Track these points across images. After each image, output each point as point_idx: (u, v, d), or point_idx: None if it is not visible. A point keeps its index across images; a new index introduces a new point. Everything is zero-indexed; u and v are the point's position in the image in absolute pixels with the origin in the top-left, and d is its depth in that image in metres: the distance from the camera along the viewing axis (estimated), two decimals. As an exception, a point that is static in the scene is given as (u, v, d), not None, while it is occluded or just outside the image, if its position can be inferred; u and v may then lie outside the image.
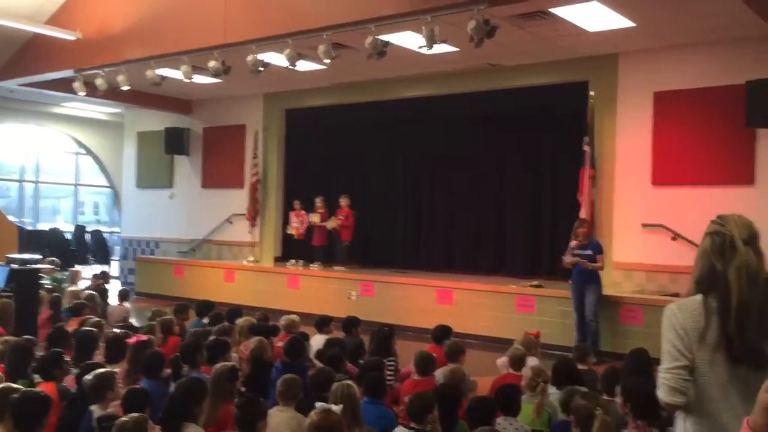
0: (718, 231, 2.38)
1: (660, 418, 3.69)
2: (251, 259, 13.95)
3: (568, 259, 9.10)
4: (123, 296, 9.59)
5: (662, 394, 2.35)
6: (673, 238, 9.53)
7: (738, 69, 9.02)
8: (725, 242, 2.35)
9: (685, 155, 9.57)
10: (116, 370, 4.80)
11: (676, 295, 9.21)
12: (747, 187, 9.06)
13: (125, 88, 11.15)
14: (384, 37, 8.25)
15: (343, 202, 12.80)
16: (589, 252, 8.97)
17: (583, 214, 9.82)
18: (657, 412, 3.66)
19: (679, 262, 9.20)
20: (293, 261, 13.33)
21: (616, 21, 8.55)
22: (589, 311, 8.94)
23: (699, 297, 2.37)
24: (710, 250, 2.38)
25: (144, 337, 5.75)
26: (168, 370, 5.56)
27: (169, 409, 4.12)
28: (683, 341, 2.32)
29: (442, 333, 6.78)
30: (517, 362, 5.62)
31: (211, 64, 9.72)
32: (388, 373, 5.97)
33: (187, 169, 15.78)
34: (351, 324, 7.30)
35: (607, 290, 9.32)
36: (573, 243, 9.11)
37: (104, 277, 11.51)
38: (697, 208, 9.13)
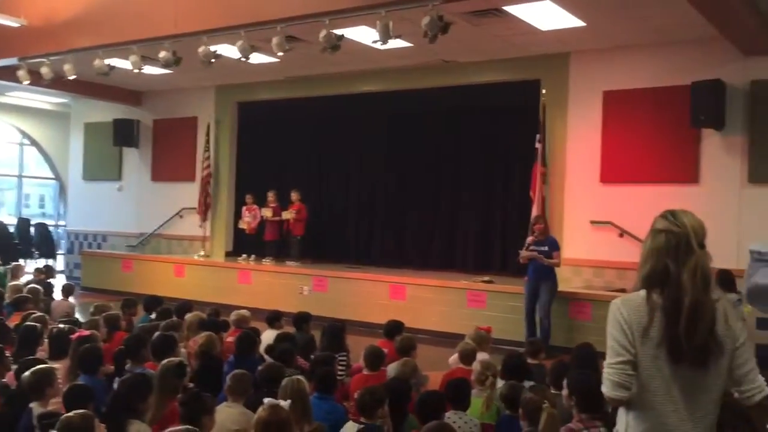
0: (673, 230, 2.36)
1: (602, 411, 3.76)
2: (202, 253, 13.76)
3: (524, 253, 9.14)
4: (67, 291, 9.34)
5: (606, 389, 2.37)
6: (620, 235, 9.72)
7: (684, 70, 9.24)
8: (680, 242, 2.33)
9: (632, 154, 9.77)
10: (57, 366, 4.67)
11: (622, 290, 9.40)
12: (692, 185, 9.30)
13: (72, 77, 10.85)
14: (338, 31, 8.20)
15: (294, 196, 12.73)
16: (546, 248, 9.05)
17: (535, 210, 9.95)
18: (600, 405, 3.73)
19: (626, 258, 9.40)
20: (245, 256, 13.19)
21: (568, 20, 8.67)
22: (542, 308, 9.00)
23: (643, 292, 2.38)
24: (664, 248, 2.35)
25: (86, 333, 5.61)
26: (111, 366, 5.46)
27: (113, 405, 4.04)
28: (627, 336, 2.34)
29: (393, 328, 6.80)
30: (468, 357, 5.66)
31: (162, 54, 9.52)
32: (340, 368, 5.96)
33: (136, 161, 15.46)
34: (302, 320, 7.26)
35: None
36: (530, 239, 9.19)
37: (48, 271, 11.20)
38: (644, 205, 9.32)
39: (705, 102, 8.90)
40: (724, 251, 8.20)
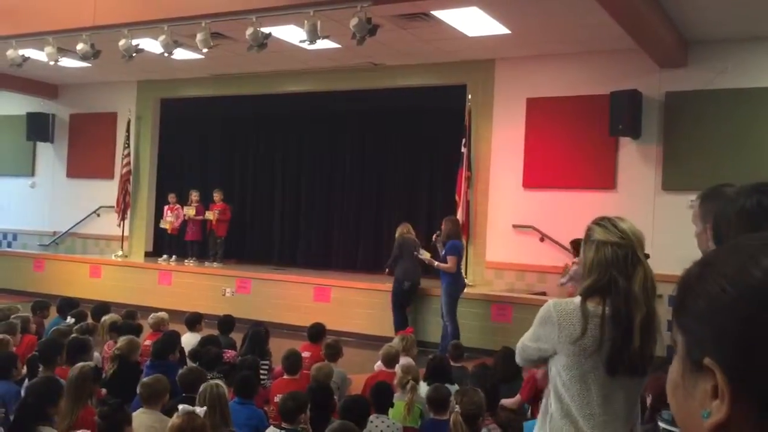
0: (621, 243, 2.33)
1: (496, 408, 4.00)
2: (120, 253, 13.32)
3: (423, 255, 9.01)
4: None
5: (517, 357, 2.62)
6: (541, 239, 9.94)
7: (603, 80, 9.53)
8: (628, 255, 2.31)
9: (553, 160, 10.00)
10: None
11: (543, 293, 9.63)
12: (609, 191, 9.60)
13: (-19, 67, 10.33)
14: (265, 29, 8.09)
15: (217, 196, 12.50)
16: (443, 251, 8.83)
17: (459, 214, 10.05)
18: (495, 404, 3.93)
19: (547, 262, 9.63)
20: (165, 256, 12.85)
21: (494, 28, 8.82)
22: (442, 312, 8.82)
23: (578, 299, 2.36)
24: (612, 262, 2.32)
25: (-2, 336, 5.35)
26: (24, 370, 5.23)
27: (22, 411, 3.87)
28: (546, 336, 2.38)
29: (317, 331, 6.76)
30: (390, 360, 5.66)
31: (80, 46, 9.16)
32: (262, 372, 5.87)
33: (50, 156, 14.83)
34: (227, 324, 7.15)
35: (479, 288, 9.58)
36: (435, 236, 9.14)
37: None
38: (564, 210, 9.57)
39: (623, 111, 9.20)
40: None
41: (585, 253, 2.42)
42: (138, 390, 4.28)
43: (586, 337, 2.30)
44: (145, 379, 4.36)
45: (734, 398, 0.73)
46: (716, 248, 0.81)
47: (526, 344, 2.51)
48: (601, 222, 2.42)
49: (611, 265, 2.32)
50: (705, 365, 0.75)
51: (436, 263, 8.82)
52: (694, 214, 2.15)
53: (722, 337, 0.74)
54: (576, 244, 8.98)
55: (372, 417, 4.33)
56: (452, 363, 5.82)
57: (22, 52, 9.97)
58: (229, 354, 5.96)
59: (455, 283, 8.88)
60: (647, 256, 2.37)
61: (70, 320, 7.06)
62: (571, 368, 2.34)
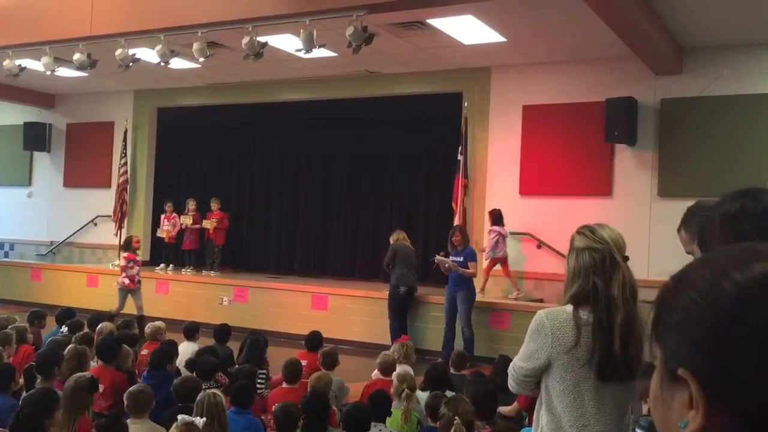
0: (596, 247, 2.36)
1: (493, 418, 4.02)
2: (117, 263, 13.28)
3: (439, 258, 9.10)
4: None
5: (510, 381, 2.56)
6: (538, 246, 9.95)
7: (599, 87, 9.56)
8: (605, 259, 2.34)
9: (550, 167, 10.02)
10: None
11: (540, 300, 9.63)
12: (605, 198, 9.62)
13: (-22, 77, 10.33)
14: (261, 38, 8.11)
15: (214, 205, 12.51)
16: (461, 258, 9.05)
17: (457, 221, 10.06)
18: (492, 413, 3.92)
19: (544, 269, 9.64)
20: (163, 265, 12.83)
21: (489, 36, 8.86)
22: (461, 318, 8.98)
23: (570, 308, 2.37)
24: (591, 267, 2.35)
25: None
26: (21, 381, 5.21)
27: (18, 423, 3.85)
28: (540, 347, 2.37)
29: (314, 339, 6.75)
30: (387, 368, 5.66)
31: (76, 56, 9.17)
32: (259, 381, 5.85)
33: (47, 166, 14.83)
34: (223, 333, 7.14)
35: (477, 296, 9.57)
36: (440, 255, 9.21)
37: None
38: (561, 217, 9.57)
39: (618, 118, 9.23)
40: (634, 262, 8.46)
41: (567, 261, 2.46)
42: (125, 401, 4.26)
43: (579, 346, 2.31)
44: (129, 391, 4.33)
45: (709, 407, 0.75)
46: (690, 263, 0.83)
47: (518, 365, 2.47)
48: (581, 230, 2.45)
49: (591, 271, 2.35)
50: (680, 376, 0.78)
51: (461, 269, 8.92)
52: (681, 240, 2.16)
53: (695, 348, 0.77)
54: (493, 214, 9.60)
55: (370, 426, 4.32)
56: (454, 371, 5.81)
57: (18, 62, 9.97)
58: (221, 378, 5.83)
59: (473, 290, 9.10)
60: (626, 259, 2.39)
61: (63, 329, 7.07)
62: (564, 378, 2.34)
